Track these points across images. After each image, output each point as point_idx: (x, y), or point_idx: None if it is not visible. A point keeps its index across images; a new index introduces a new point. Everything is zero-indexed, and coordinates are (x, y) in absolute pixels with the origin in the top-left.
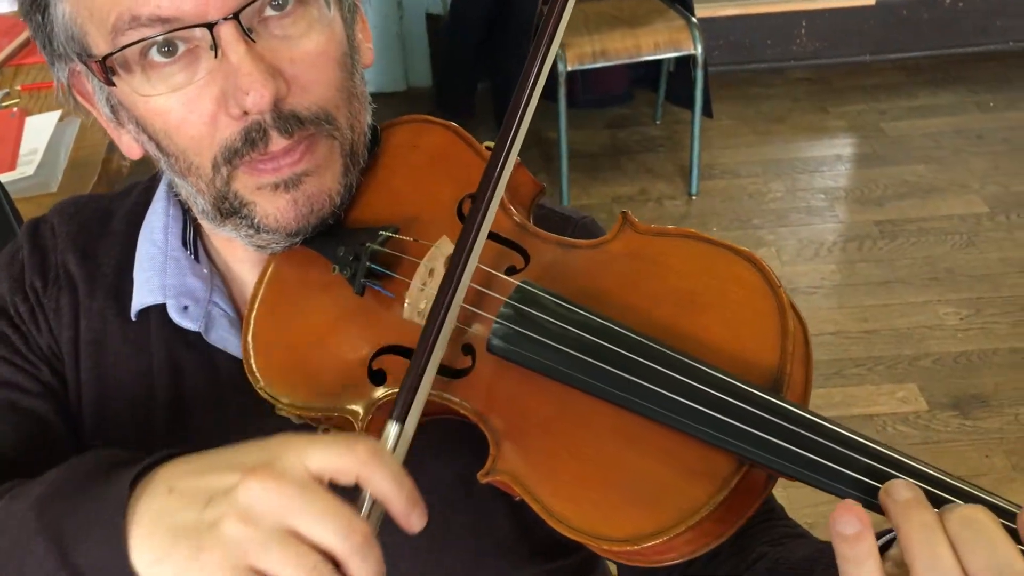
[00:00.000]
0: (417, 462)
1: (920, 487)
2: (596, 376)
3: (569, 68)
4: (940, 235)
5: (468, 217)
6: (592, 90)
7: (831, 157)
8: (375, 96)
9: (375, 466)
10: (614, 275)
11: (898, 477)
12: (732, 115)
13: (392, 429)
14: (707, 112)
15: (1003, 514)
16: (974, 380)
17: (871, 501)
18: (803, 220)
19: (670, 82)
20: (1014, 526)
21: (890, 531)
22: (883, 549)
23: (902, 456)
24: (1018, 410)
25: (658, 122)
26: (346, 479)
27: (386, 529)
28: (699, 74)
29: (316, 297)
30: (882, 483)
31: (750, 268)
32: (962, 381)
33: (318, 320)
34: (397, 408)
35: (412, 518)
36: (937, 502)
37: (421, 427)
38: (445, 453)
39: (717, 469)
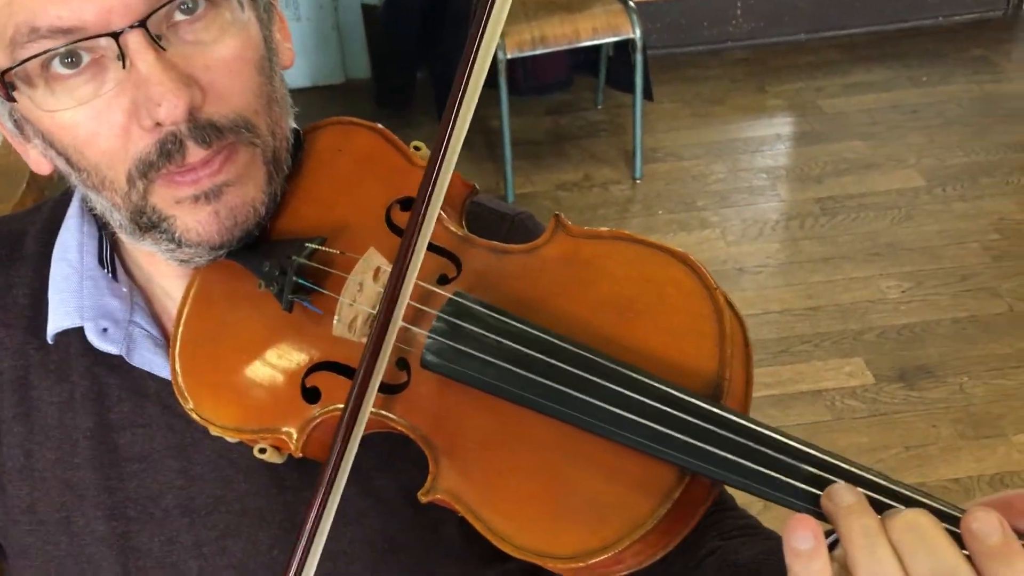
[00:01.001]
0: (362, 476)
1: (862, 492)
2: (534, 390)
3: (509, 55)
4: (879, 210)
5: (406, 230)
6: (533, 77)
7: (771, 136)
8: (312, 90)
9: None
10: (549, 282)
11: (831, 480)
12: (673, 98)
13: None
14: (648, 96)
15: (947, 518)
16: (918, 352)
17: (815, 510)
18: (746, 200)
19: (610, 67)
20: (958, 531)
21: (834, 532)
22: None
23: (844, 462)
24: (962, 379)
25: (599, 107)
26: None
27: (333, 538)
28: (638, 58)
29: (244, 313)
30: (822, 491)
31: (685, 270)
32: (907, 353)
33: (247, 337)
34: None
35: None
36: (880, 507)
37: (364, 441)
38: (390, 466)
39: (660, 481)
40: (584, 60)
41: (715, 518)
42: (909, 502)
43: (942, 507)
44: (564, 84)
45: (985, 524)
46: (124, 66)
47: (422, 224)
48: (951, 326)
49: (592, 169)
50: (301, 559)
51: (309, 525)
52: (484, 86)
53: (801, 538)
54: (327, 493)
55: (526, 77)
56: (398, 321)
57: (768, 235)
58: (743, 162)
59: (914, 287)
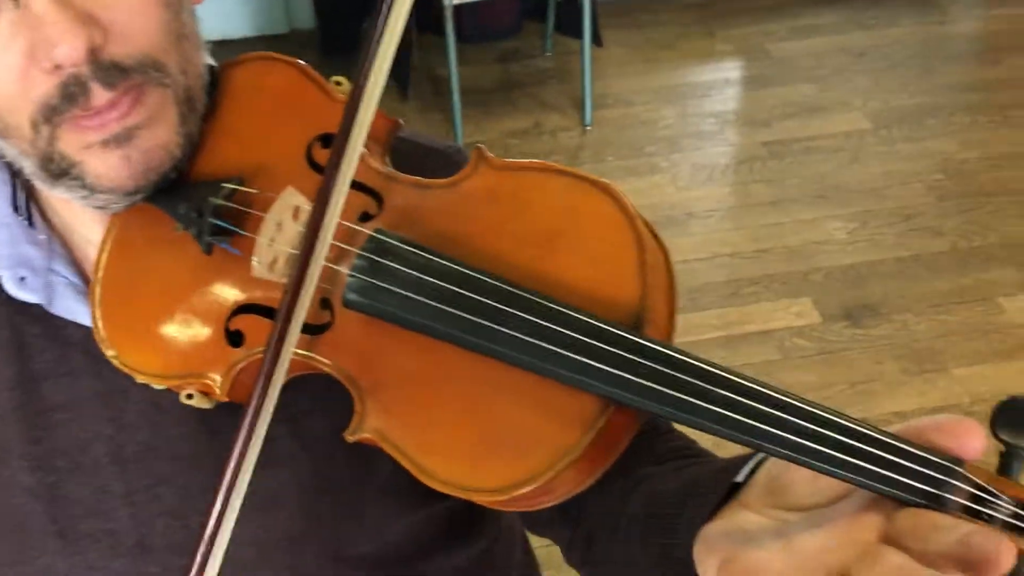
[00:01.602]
0: (292, 418)
1: (789, 420)
2: (455, 325)
3: (455, 0)
4: (826, 153)
5: (327, 167)
6: (481, 23)
7: (720, 81)
8: (256, 40)
9: None
10: (472, 216)
11: (758, 408)
12: (622, 43)
13: None
14: (596, 41)
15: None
16: (863, 291)
17: (736, 436)
18: (695, 145)
19: (558, 12)
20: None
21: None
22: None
23: (760, 385)
24: (906, 317)
25: (548, 54)
26: None
27: (263, 481)
28: (586, 3)
29: (164, 257)
30: (741, 415)
31: (607, 200)
32: (852, 292)
33: (168, 282)
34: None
35: None
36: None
37: (292, 383)
38: (320, 409)
39: (583, 412)
40: (533, 6)
41: (649, 443)
42: (815, 420)
43: (858, 427)
44: (513, 31)
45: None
46: (17, 5)
47: (343, 161)
48: (895, 265)
49: (542, 116)
50: (224, 502)
51: (231, 467)
52: (431, 33)
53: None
54: (248, 435)
55: (474, 23)
56: (320, 260)
57: (717, 179)
58: (692, 107)
59: (860, 227)
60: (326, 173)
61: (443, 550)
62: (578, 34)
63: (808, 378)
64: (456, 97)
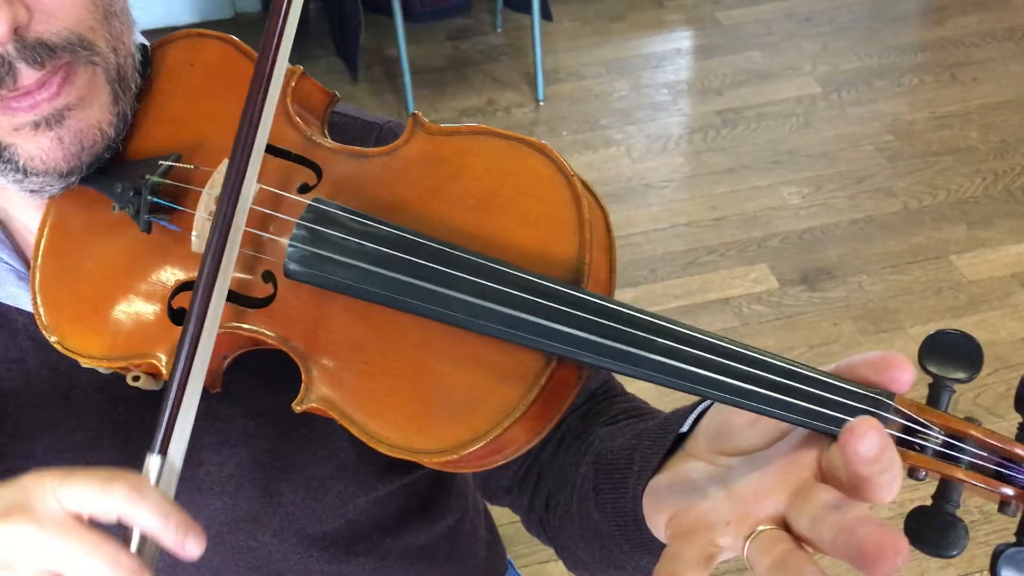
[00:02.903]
0: (243, 395)
1: (727, 364)
2: (398, 290)
3: None
4: (778, 119)
5: (237, 131)
6: (430, 2)
7: (671, 51)
8: (201, 26)
9: (135, 504)
10: (410, 182)
11: (698, 355)
12: (572, 17)
13: (152, 461)
14: (546, 15)
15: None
16: (819, 254)
17: (678, 383)
18: (649, 116)
19: None
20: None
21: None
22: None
23: (700, 333)
24: (861, 278)
25: (499, 30)
26: (108, 518)
27: (222, 463)
28: None
29: (103, 239)
30: (681, 362)
31: (544, 160)
32: (808, 256)
33: (108, 263)
34: (157, 439)
35: (187, 546)
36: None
37: (243, 362)
38: (271, 383)
39: (526, 368)
40: None
41: (602, 405)
42: (753, 362)
43: (787, 365)
44: (462, 8)
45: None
46: None
47: (257, 120)
48: (849, 227)
49: (495, 93)
50: (159, 476)
51: (159, 438)
52: (378, 14)
53: (870, 444)
54: (176, 407)
55: (422, 2)
56: (240, 226)
57: (672, 150)
58: (645, 78)
59: (813, 192)
60: (238, 136)
61: (407, 528)
62: (528, 9)
63: (767, 343)
64: (408, 77)
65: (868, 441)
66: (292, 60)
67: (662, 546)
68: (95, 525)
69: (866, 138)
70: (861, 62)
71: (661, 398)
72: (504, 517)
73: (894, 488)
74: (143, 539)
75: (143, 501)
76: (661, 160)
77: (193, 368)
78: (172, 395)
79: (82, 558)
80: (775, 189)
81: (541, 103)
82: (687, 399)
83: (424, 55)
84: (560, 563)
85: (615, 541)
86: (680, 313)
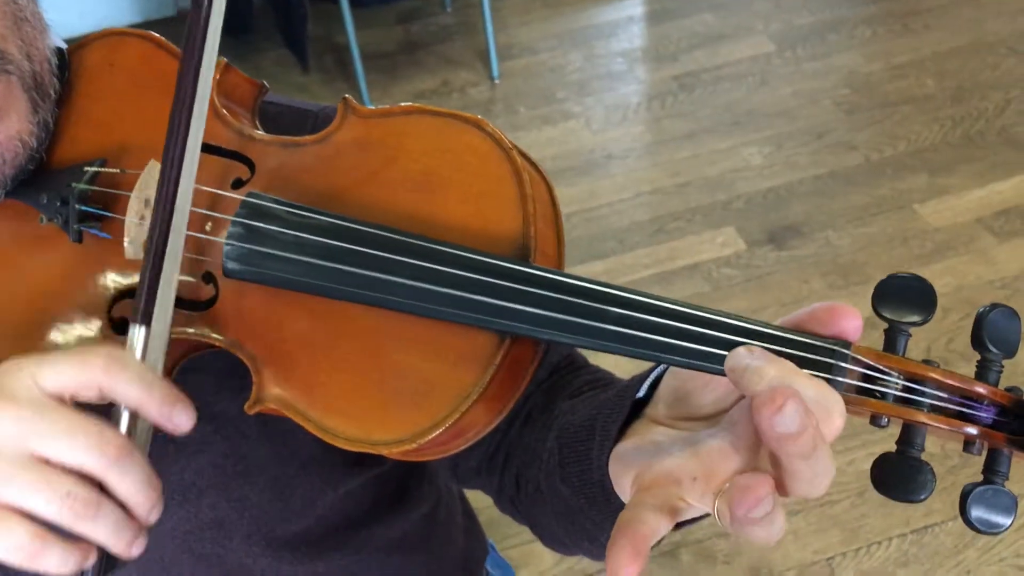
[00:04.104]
0: (196, 399)
1: (682, 327)
2: (340, 280)
3: None
4: (735, 80)
5: (168, 133)
6: None
7: (623, 19)
8: (143, 25)
9: (115, 374)
10: (346, 169)
11: (652, 320)
12: None
13: (137, 332)
14: None
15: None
16: (784, 212)
17: (634, 351)
18: (606, 86)
19: None
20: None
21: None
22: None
23: (649, 297)
24: (827, 233)
25: (448, 9)
26: (89, 394)
27: (181, 471)
28: None
29: (34, 253)
30: (632, 329)
31: (480, 135)
32: (774, 215)
33: (42, 278)
34: (140, 308)
35: (174, 419)
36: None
37: (193, 366)
38: (227, 387)
39: (480, 349)
40: None
41: (566, 379)
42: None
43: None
44: None
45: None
46: None
47: (188, 119)
48: (813, 183)
49: (449, 74)
50: None
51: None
52: (325, 1)
53: (788, 418)
54: (156, 275)
55: None
56: (182, 230)
57: (631, 119)
58: (599, 48)
59: (775, 151)
60: (168, 135)
61: (380, 520)
62: None
63: (740, 304)
64: (359, 64)
65: (787, 412)
66: (237, 54)
67: None
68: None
69: (823, 93)
70: (813, 16)
71: (625, 368)
72: (486, 501)
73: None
74: (133, 420)
75: (124, 371)
76: (621, 130)
77: (171, 234)
78: (150, 262)
79: (64, 437)
80: (736, 151)
81: (496, 81)
82: (647, 367)
83: (374, 40)
84: None
85: (585, 514)
86: (651, 281)
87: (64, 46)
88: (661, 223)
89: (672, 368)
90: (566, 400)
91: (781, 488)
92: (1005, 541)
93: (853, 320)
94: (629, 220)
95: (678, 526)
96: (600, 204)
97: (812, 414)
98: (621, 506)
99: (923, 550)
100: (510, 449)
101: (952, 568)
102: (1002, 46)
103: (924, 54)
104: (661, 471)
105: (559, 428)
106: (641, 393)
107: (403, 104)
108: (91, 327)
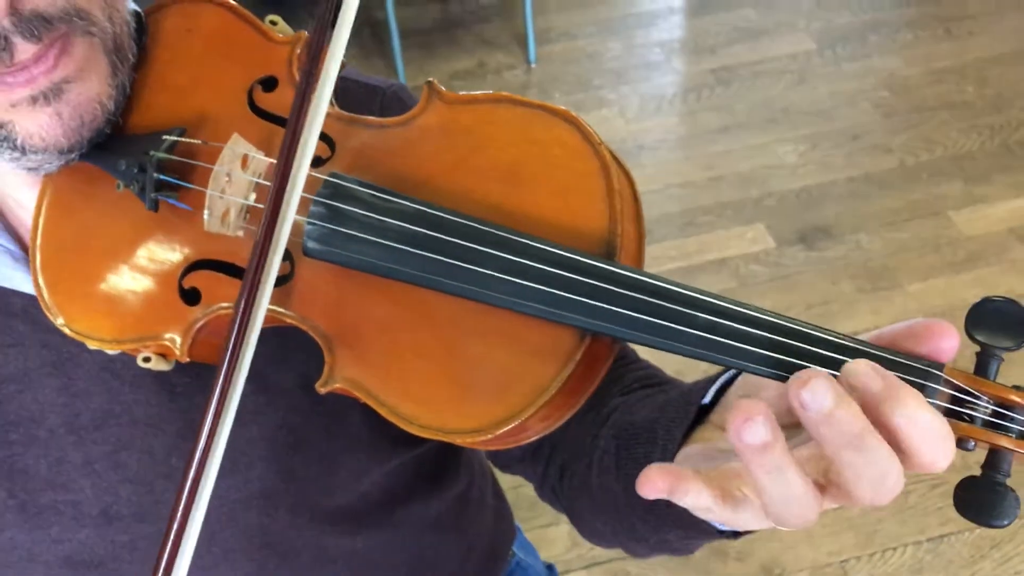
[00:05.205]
0: (256, 373)
1: (772, 338)
2: (424, 267)
3: None
4: (773, 76)
5: (288, 121)
6: None
7: (664, 9)
8: None
9: None
10: (430, 154)
11: (740, 329)
12: None
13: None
14: None
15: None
16: (816, 213)
17: (709, 355)
18: (643, 76)
19: None
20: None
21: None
22: None
23: (739, 306)
24: (858, 236)
25: None
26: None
27: (232, 440)
28: None
29: (106, 218)
30: (720, 336)
31: (569, 128)
32: (805, 215)
33: (113, 243)
34: (233, 333)
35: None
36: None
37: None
38: (285, 360)
39: (560, 345)
40: None
41: (617, 373)
42: (809, 339)
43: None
44: None
45: (862, 375)
46: None
47: (309, 107)
48: (846, 185)
49: (485, 55)
50: (200, 462)
51: (207, 430)
52: None
53: (751, 432)
54: (223, 397)
55: None
56: (290, 216)
57: (666, 109)
58: (637, 38)
59: (809, 150)
60: (289, 122)
61: (418, 498)
62: None
63: (765, 303)
64: (396, 41)
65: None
66: (278, 14)
67: (689, 520)
68: None
69: (862, 94)
70: (855, 17)
71: (670, 364)
72: (510, 483)
73: None
74: None
75: None
76: (655, 120)
77: (241, 353)
78: (220, 380)
79: None
80: (771, 148)
81: (533, 65)
82: (697, 364)
83: (412, 17)
84: (561, 527)
85: (638, 514)
86: (678, 275)
87: (139, 9)
88: (691, 216)
89: (745, 375)
90: (618, 396)
91: (844, 494)
92: (1022, 554)
93: (951, 340)
94: (659, 212)
95: (736, 535)
96: None
97: (849, 399)
98: (678, 513)
99: (938, 559)
100: (556, 440)
101: None
102: None
103: (965, 60)
104: (728, 469)
105: (616, 427)
106: (707, 399)
107: (488, 92)
108: (161, 294)
